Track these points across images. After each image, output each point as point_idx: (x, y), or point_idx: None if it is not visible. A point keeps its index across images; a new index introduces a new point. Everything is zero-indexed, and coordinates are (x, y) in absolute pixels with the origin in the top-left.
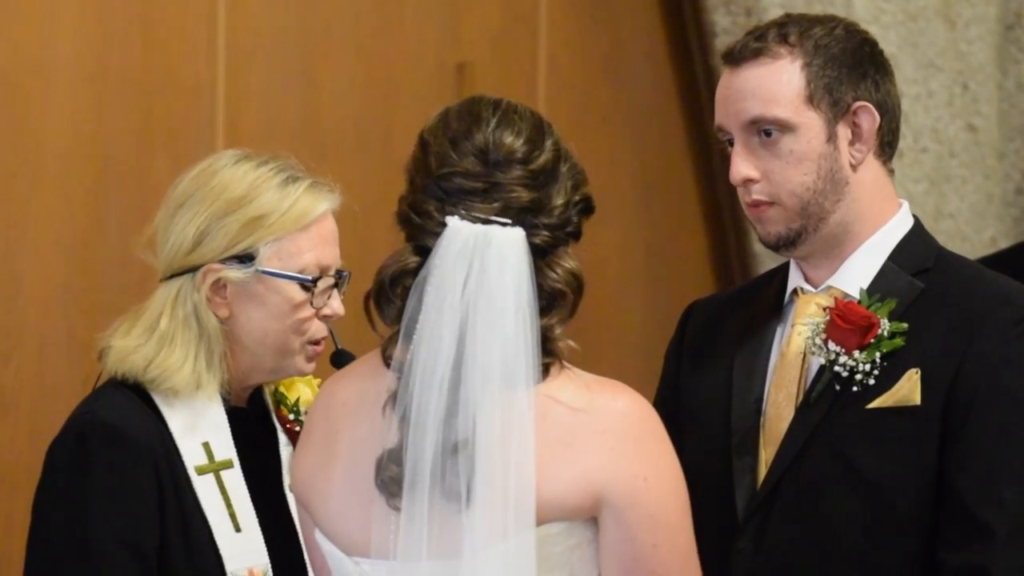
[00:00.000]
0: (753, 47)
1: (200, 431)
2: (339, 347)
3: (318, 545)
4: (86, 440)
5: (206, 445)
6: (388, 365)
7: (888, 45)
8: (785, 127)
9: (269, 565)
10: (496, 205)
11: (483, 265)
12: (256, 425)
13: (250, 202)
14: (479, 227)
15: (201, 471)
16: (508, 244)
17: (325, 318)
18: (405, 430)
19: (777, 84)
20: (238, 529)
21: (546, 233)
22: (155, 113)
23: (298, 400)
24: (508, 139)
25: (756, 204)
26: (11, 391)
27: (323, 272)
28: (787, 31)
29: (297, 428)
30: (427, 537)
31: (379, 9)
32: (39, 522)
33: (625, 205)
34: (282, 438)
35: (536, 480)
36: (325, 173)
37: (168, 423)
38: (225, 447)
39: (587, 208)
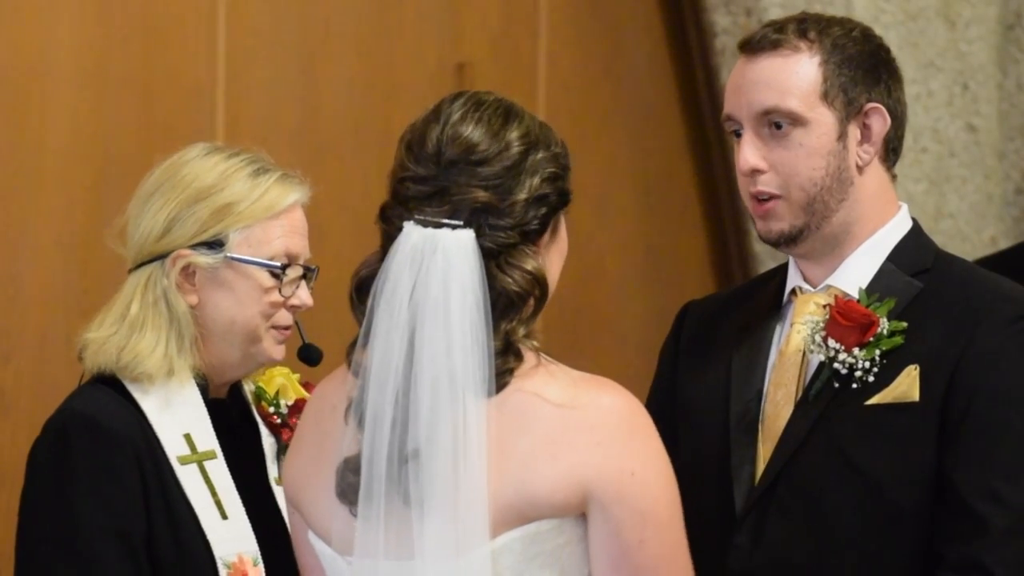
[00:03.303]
0: (773, 38)
1: (180, 422)
2: (306, 341)
3: (310, 545)
4: (66, 435)
5: (188, 436)
6: (352, 370)
7: (888, 45)
8: (797, 120)
9: (259, 552)
10: (447, 207)
11: (427, 271)
12: (237, 417)
13: (221, 190)
14: (429, 231)
15: (184, 461)
16: (455, 248)
17: (293, 308)
18: (362, 437)
19: (794, 77)
20: (224, 516)
21: (502, 234)
22: (155, 113)
23: (277, 393)
24: (466, 132)
25: (761, 197)
26: (11, 391)
27: (291, 260)
28: (806, 27)
29: (277, 420)
30: (384, 542)
31: (379, 9)
32: (26, 520)
33: (625, 205)
34: (263, 430)
35: (522, 478)
36: (325, 173)
37: (147, 415)
38: (207, 438)
39: (560, 201)
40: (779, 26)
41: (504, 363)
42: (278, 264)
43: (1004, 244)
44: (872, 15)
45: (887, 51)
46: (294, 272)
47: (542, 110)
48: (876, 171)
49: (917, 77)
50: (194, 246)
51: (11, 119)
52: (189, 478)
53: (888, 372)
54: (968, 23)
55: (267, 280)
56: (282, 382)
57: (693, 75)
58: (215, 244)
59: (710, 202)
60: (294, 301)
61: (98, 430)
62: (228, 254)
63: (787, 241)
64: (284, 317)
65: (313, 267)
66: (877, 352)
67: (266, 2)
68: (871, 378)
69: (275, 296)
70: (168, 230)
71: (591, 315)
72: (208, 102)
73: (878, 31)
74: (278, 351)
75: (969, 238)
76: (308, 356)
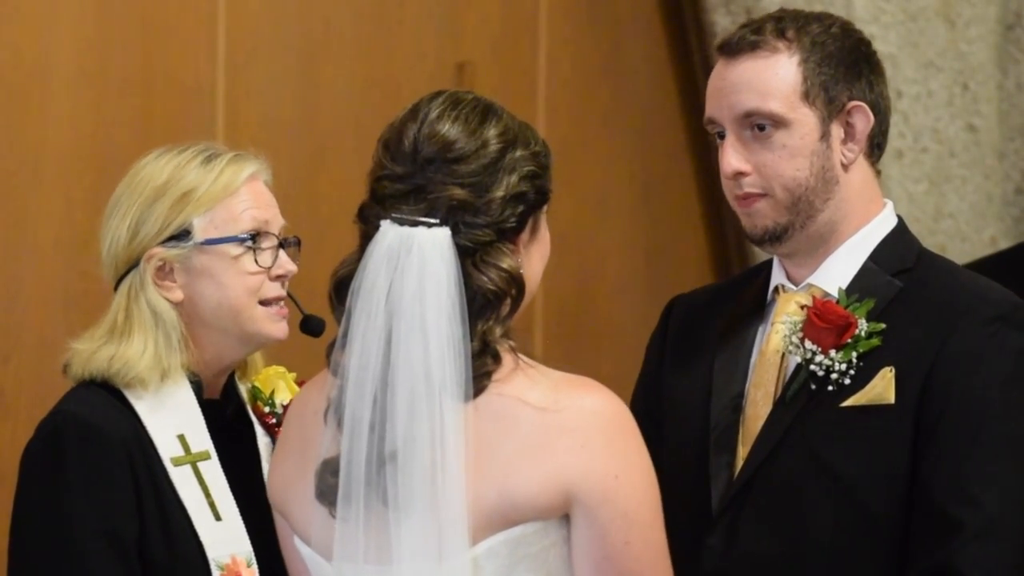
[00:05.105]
0: (750, 40)
1: (174, 423)
2: (305, 313)
3: (296, 551)
4: (59, 436)
5: (181, 438)
6: (332, 370)
7: (888, 45)
8: (779, 122)
9: (252, 553)
10: (423, 205)
11: (403, 270)
12: (232, 417)
13: (176, 183)
14: (405, 229)
15: (177, 462)
16: (430, 246)
17: (278, 278)
18: (341, 439)
19: (773, 78)
20: (218, 518)
21: (478, 231)
22: (155, 113)
23: (272, 393)
24: (443, 130)
25: (746, 197)
26: (11, 391)
27: (262, 228)
28: (784, 26)
29: (273, 420)
30: (364, 545)
31: (379, 9)
32: (20, 522)
33: (625, 205)
34: (259, 430)
35: (505, 482)
36: (325, 173)
37: (141, 417)
38: (201, 439)
39: (538, 200)
40: (756, 26)
41: (482, 365)
42: (247, 235)
43: (1004, 244)
44: (872, 15)
45: (867, 45)
46: (268, 241)
47: (542, 110)
48: (861, 168)
49: (917, 77)
50: (163, 242)
51: (11, 119)
52: (183, 479)
53: (865, 373)
54: (968, 23)
55: (241, 253)
56: (279, 382)
57: (693, 75)
58: (182, 235)
59: (710, 202)
60: (277, 270)
61: (90, 432)
62: (197, 240)
63: (772, 239)
64: (271, 289)
65: (292, 236)
66: (854, 354)
67: (266, 2)
68: (847, 380)
69: (253, 267)
70: (135, 234)
71: (591, 315)
72: (208, 102)
73: (878, 31)
74: (278, 329)
75: (969, 238)
76: (310, 327)
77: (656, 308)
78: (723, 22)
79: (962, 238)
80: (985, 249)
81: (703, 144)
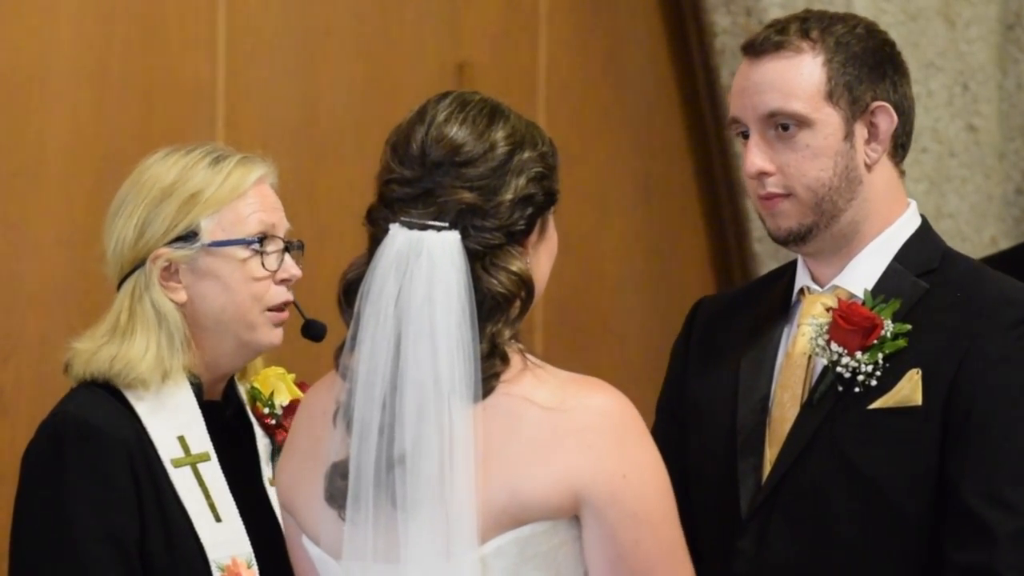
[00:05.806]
0: (775, 40)
1: (174, 425)
2: (307, 318)
3: (304, 550)
4: (60, 438)
5: (181, 439)
6: (341, 373)
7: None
8: (803, 122)
9: (252, 554)
10: (432, 209)
11: (412, 274)
12: (232, 419)
13: (184, 183)
14: (414, 233)
15: (178, 464)
16: (440, 250)
17: (284, 282)
18: (350, 441)
19: (798, 78)
20: (218, 519)
21: (487, 235)
22: (155, 113)
23: (272, 394)
24: (451, 133)
25: (770, 196)
26: (11, 391)
27: (268, 232)
28: (809, 26)
29: (272, 422)
30: (372, 546)
31: (379, 9)
32: (20, 524)
33: (625, 205)
34: (258, 431)
35: (514, 482)
36: (325, 173)
37: (141, 418)
38: (201, 440)
39: (547, 201)
40: (781, 26)
41: (490, 367)
42: (255, 238)
43: (1004, 244)
44: (872, 15)
45: (892, 45)
46: (274, 245)
47: (542, 110)
48: (884, 168)
49: (917, 77)
50: (169, 243)
51: (11, 119)
52: (183, 481)
53: (892, 375)
54: (968, 23)
55: (248, 257)
56: (278, 384)
57: (693, 75)
58: (189, 236)
59: (710, 202)
60: (282, 274)
61: (91, 433)
62: (203, 242)
63: (796, 239)
64: (276, 295)
65: (296, 240)
66: (880, 356)
67: (266, 2)
68: (874, 382)
69: (260, 271)
70: (141, 234)
71: (591, 315)
72: (208, 102)
73: None
74: (276, 335)
75: (969, 238)
76: (312, 332)
77: (656, 308)
78: (723, 22)
79: (962, 238)
80: (985, 249)
81: (703, 144)
